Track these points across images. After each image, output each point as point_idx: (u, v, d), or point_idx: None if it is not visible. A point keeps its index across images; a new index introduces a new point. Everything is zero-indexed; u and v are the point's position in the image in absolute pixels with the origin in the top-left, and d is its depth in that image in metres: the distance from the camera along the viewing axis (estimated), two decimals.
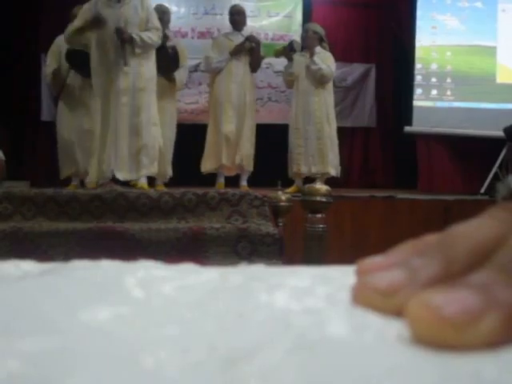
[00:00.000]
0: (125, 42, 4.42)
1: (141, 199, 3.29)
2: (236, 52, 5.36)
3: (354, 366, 0.20)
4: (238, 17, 5.56)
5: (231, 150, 5.45)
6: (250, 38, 5.45)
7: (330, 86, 5.66)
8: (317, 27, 5.66)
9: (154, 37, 4.52)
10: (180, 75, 5.32)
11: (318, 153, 5.50)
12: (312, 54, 5.43)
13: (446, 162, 6.88)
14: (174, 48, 5.18)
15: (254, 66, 5.56)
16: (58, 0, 6.77)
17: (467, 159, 6.68)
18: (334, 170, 5.57)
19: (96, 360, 0.20)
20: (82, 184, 5.41)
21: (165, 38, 5.02)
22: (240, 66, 5.45)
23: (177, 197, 3.32)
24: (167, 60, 5.05)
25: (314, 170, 5.48)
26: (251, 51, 5.45)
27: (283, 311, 0.24)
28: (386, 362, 0.20)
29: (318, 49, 5.53)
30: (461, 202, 4.94)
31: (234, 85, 5.43)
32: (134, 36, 4.44)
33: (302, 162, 5.53)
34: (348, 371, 0.20)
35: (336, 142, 5.60)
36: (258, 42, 5.50)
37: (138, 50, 4.47)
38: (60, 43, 5.31)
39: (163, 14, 5.32)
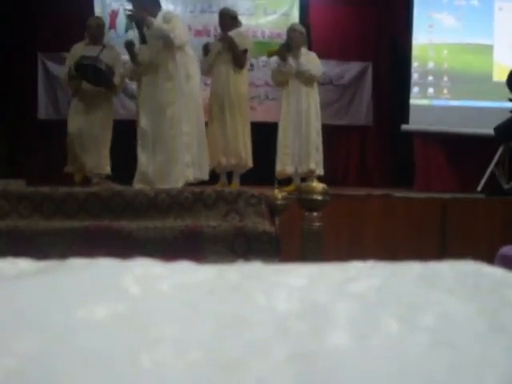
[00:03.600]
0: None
1: (138, 197, 3.29)
2: (204, 51, 5.65)
3: (355, 378, 0.20)
4: (220, 20, 5.71)
5: (219, 148, 5.52)
6: (221, 38, 5.58)
7: (316, 85, 5.71)
8: (302, 28, 5.75)
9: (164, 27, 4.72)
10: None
11: (306, 152, 5.52)
12: (298, 57, 5.50)
13: (442, 161, 6.88)
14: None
15: (237, 63, 5.59)
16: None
17: (464, 157, 6.68)
18: (319, 169, 5.58)
19: (94, 358, 0.20)
20: (87, 181, 5.58)
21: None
22: (221, 66, 5.53)
23: (173, 195, 3.32)
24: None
25: (300, 169, 5.52)
26: (230, 50, 5.53)
27: (281, 314, 0.24)
28: (391, 375, 0.20)
29: (304, 50, 5.60)
30: (457, 200, 4.94)
31: (217, 85, 5.56)
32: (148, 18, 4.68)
33: (288, 162, 5.55)
34: None
35: (321, 140, 5.64)
36: (229, 40, 5.53)
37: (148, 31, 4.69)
38: (76, 51, 5.60)
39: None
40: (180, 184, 4.59)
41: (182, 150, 4.69)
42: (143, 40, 4.77)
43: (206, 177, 4.93)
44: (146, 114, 4.76)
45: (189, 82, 4.79)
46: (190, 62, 4.86)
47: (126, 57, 5.52)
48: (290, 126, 5.54)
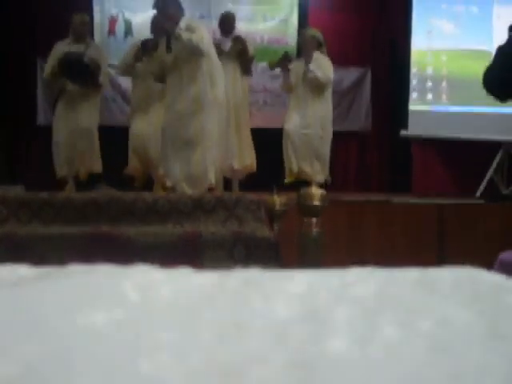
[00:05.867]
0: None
1: (137, 203, 3.29)
2: None
3: None
4: (228, 22, 5.72)
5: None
6: (237, 40, 5.54)
7: (329, 93, 5.63)
8: (314, 32, 5.64)
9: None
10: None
11: (309, 159, 5.51)
12: (308, 62, 5.41)
13: (441, 166, 6.88)
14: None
15: (246, 68, 5.59)
16: (55, 4, 6.77)
17: (462, 163, 6.68)
18: (322, 177, 5.54)
19: (94, 364, 0.20)
20: (78, 186, 5.49)
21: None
22: (228, 72, 5.47)
23: (173, 201, 3.32)
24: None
25: (303, 176, 5.50)
26: (240, 53, 5.51)
27: (280, 320, 0.24)
28: (390, 380, 0.20)
29: (316, 54, 5.51)
30: (456, 206, 4.94)
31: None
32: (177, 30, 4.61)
33: (293, 167, 5.54)
34: None
35: (328, 149, 5.58)
36: (244, 43, 5.51)
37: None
38: (59, 48, 5.46)
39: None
40: (203, 188, 4.56)
41: (205, 155, 4.65)
42: (169, 49, 4.73)
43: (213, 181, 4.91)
44: (170, 120, 4.71)
45: (213, 88, 4.74)
46: (214, 68, 4.79)
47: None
48: (294, 133, 5.52)
